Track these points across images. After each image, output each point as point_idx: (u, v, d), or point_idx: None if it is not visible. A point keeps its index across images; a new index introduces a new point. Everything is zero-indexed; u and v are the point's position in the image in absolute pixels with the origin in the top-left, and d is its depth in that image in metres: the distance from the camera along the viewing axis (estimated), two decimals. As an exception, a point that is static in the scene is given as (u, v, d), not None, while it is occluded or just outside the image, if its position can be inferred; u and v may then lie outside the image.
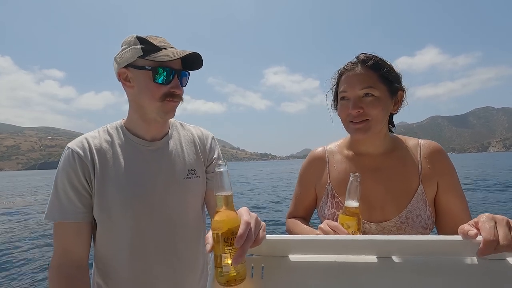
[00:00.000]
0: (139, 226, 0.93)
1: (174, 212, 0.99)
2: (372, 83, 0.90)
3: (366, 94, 0.90)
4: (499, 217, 0.58)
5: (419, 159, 0.96)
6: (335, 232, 0.76)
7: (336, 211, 0.96)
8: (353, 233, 0.77)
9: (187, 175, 1.03)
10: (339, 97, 0.96)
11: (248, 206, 0.61)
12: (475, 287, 0.58)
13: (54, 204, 0.90)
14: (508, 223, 0.57)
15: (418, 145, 0.99)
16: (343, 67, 0.96)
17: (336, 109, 1.02)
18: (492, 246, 0.54)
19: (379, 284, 0.60)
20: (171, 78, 0.92)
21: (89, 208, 0.92)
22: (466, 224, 0.60)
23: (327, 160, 1.06)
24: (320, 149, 1.10)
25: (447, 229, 0.90)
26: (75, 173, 0.90)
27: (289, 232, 1.06)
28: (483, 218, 0.58)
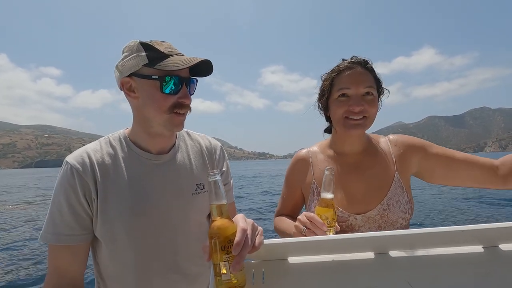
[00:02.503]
0: (143, 245, 0.89)
1: (180, 229, 0.94)
2: (372, 83, 0.97)
3: (367, 93, 0.95)
4: None
5: (391, 150, 1.04)
6: (311, 222, 0.80)
7: None
8: (329, 223, 0.82)
9: (196, 190, 0.97)
10: (335, 95, 0.98)
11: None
12: (473, 276, 0.60)
13: (49, 224, 0.84)
14: None
15: (387, 139, 1.08)
16: (341, 66, 0.98)
17: (322, 108, 1.08)
18: None
19: (378, 280, 0.61)
20: (179, 87, 0.85)
21: (87, 230, 0.86)
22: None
23: (310, 160, 1.10)
24: (304, 151, 1.15)
25: (482, 171, 0.93)
26: (74, 192, 0.83)
27: (275, 228, 1.11)
28: None
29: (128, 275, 0.89)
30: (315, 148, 1.15)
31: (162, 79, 0.82)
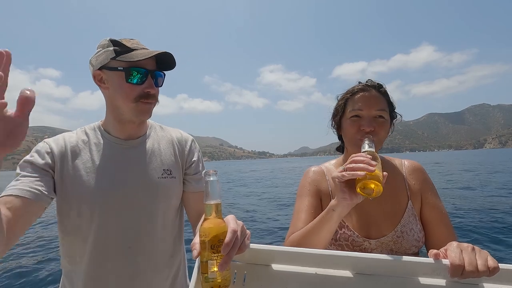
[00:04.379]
0: (105, 223, 0.93)
1: (144, 210, 0.98)
2: (384, 107, 0.99)
3: (379, 116, 0.97)
4: (464, 244, 0.64)
5: (405, 177, 1.05)
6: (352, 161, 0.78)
7: (339, 230, 0.99)
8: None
9: (162, 174, 1.02)
10: (348, 115, 1.00)
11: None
12: None
13: (13, 182, 0.86)
14: (473, 249, 0.62)
15: (402, 164, 1.08)
16: (356, 88, 1.01)
17: (335, 126, 1.10)
18: (458, 271, 0.59)
19: None
20: (144, 78, 0.93)
21: (48, 193, 0.87)
22: (437, 250, 0.65)
23: (327, 177, 1.09)
24: (316, 167, 1.14)
25: (433, 240, 0.97)
26: (42, 159, 0.91)
27: (293, 242, 0.93)
28: (451, 247, 0.64)
29: (87, 253, 0.93)
30: (327, 165, 1.14)
31: (128, 71, 0.90)
